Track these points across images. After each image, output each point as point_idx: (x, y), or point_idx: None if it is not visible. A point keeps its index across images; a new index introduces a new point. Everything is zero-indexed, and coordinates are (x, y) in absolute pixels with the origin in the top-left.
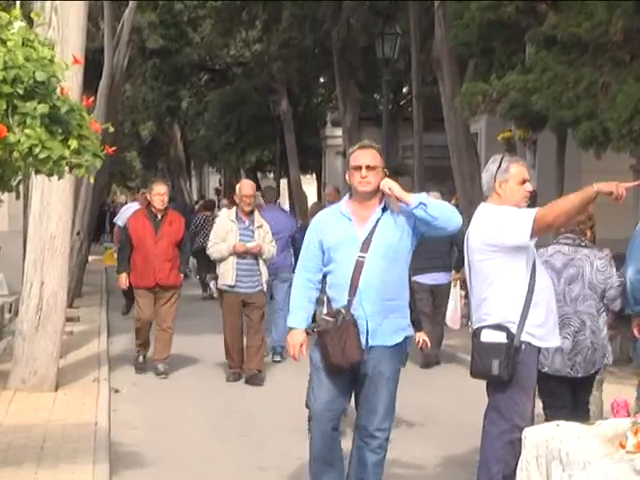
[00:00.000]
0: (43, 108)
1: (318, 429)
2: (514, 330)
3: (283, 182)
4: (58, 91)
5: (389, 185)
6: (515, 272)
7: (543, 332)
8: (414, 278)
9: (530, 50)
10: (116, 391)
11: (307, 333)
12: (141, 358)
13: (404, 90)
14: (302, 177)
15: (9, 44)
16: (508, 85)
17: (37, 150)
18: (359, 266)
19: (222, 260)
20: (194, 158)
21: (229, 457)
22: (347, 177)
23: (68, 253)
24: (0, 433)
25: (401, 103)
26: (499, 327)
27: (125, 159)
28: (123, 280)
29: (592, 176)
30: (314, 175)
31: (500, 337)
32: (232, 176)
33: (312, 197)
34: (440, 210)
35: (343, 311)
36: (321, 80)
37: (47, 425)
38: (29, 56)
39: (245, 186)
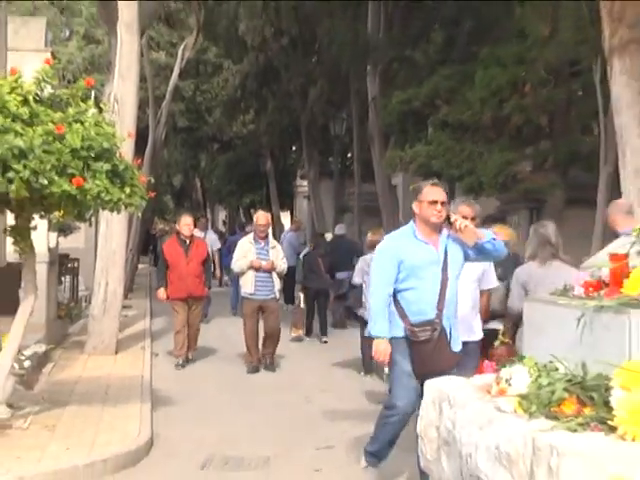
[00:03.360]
0: (107, 166)
1: (401, 421)
2: None
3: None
4: (118, 155)
5: (465, 223)
6: None
7: None
8: None
9: (430, 130)
10: (155, 355)
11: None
12: (181, 360)
13: (349, 155)
14: (281, 212)
15: (86, 124)
16: (416, 153)
17: (103, 194)
18: (444, 283)
19: (243, 273)
20: (209, 200)
21: (237, 404)
22: (416, 207)
23: (124, 263)
24: (80, 382)
25: (347, 164)
26: None
27: (162, 200)
28: (161, 294)
29: None
30: (288, 211)
31: None
32: (234, 212)
33: (287, 225)
34: (500, 244)
35: (436, 322)
36: (293, 148)
37: (109, 377)
38: (98, 132)
39: (260, 217)
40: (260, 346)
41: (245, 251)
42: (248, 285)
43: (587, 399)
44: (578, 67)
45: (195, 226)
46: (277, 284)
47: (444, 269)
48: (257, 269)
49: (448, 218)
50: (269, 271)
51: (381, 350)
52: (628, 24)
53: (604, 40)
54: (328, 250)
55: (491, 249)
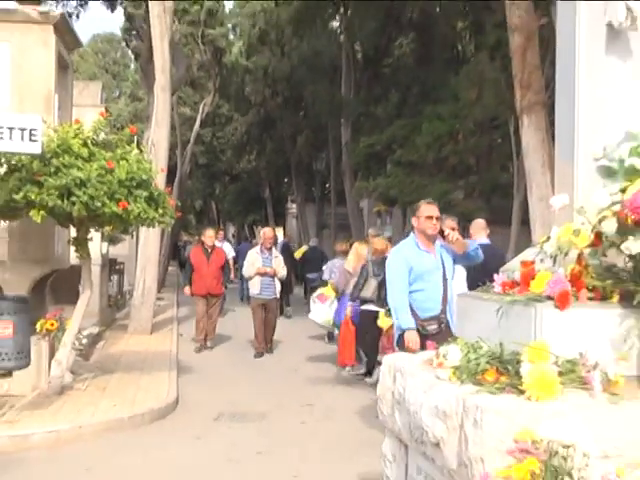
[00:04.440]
0: (145, 193)
1: None
2: None
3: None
4: (153, 184)
5: (456, 236)
6: None
7: None
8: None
9: (389, 167)
10: (180, 335)
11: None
12: (200, 346)
13: (327, 185)
14: (276, 228)
15: (129, 161)
16: (378, 184)
17: (142, 214)
18: (445, 285)
19: (251, 278)
20: (222, 218)
21: (242, 374)
22: (415, 222)
23: (157, 265)
24: (124, 355)
25: (325, 192)
26: None
27: (186, 218)
28: (187, 290)
29: None
30: (282, 227)
31: None
32: (240, 227)
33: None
34: (480, 251)
35: (442, 317)
36: (285, 180)
37: (146, 352)
38: (139, 167)
39: (267, 232)
40: None
41: (253, 260)
42: (256, 287)
43: (504, 370)
44: (497, 122)
45: (216, 237)
46: (278, 287)
47: (444, 273)
48: (263, 274)
49: (442, 232)
50: (272, 276)
51: (413, 339)
52: (534, 91)
53: (516, 102)
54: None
55: (474, 256)
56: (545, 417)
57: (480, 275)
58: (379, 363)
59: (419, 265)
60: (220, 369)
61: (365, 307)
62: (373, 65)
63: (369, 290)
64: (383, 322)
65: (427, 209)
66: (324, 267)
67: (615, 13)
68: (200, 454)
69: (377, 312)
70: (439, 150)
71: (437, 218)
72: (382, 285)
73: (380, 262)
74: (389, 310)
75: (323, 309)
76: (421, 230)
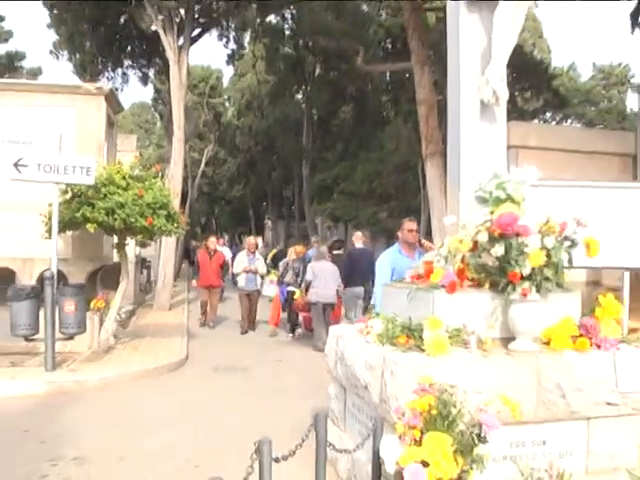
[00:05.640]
0: (165, 212)
1: None
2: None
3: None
4: (171, 206)
5: (429, 244)
6: None
7: None
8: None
9: (335, 195)
10: (189, 311)
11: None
12: (203, 320)
13: (292, 207)
14: (257, 237)
15: (154, 190)
16: (327, 207)
17: (163, 227)
18: None
19: (239, 274)
20: (219, 230)
21: (233, 341)
22: (400, 234)
23: (173, 263)
24: (151, 325)
25: (292, 212)
26: None
27: (194, 230)
28: (194, 283)
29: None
30: (261, 237)
31: None
32: (232, 237)
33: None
34: None
35: None
36: (264, 203)
37: (166, 323)
38: (161, 194)
39: (250, 240)
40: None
41: (241, 261)
42: (242, 281)
43: (411, 335)
44: (410, 164)
45: (217, 243)
46: (259, 281)
47: None
48: (247, 272)
49: (420, 241)
50: (254, 273)
51: None
52: (434, 143)
53: (422, 151)
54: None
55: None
56: (438, 367)
57: (355, 268)
58: (297, 324)
59: (400, 266)
60: (217, 337)
61: (289, 288)
62: (325, 124)
63: (289, 277)
64: (297, 296)
65: (409, 225)
66: (281, 262)
67: (485, 93)
68: (202, 395)
69: (294, 291)
70: (370, 183)
71: (416, 231)
72: (299, 274)
73: (299, 260)
74: (300, 289)
75: (271, 288)
76: (404, 240)
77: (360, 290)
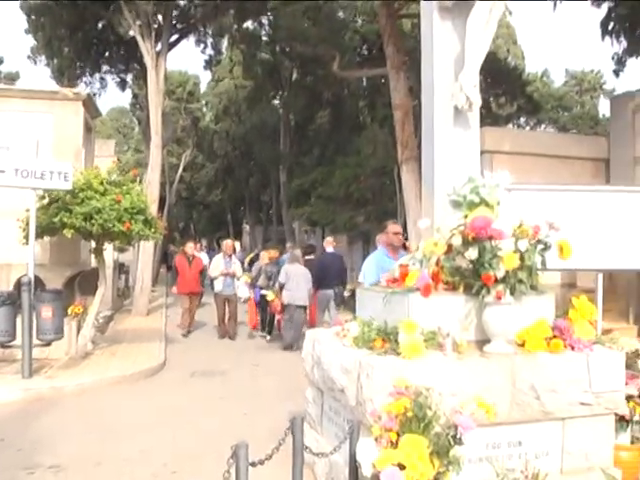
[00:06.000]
0: (142, 217)
1: None
2: None
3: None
4: (148, 211)
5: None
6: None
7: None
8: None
9: (312, 199)
10: (168, 316)
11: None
12: (185, 332)
13: (270, 212)
14: (235, 241)
15: (132, 195)
16: (305, 211)
17: (140, 232)
18: None
19: (216, 278)
20: (198, 234)
21: (210, 347)
22: (385, 237)
23: (151, 268)
24: (129, 330)
25: (269, 217)
26: None
27: (173, 235)
28: (174, 290)
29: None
30: (239, 241)
31: None
32: (210, 242)
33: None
34: None
35: None
36: (241, 208)
37: (144, 328)
38: (139, 199)
39: (227, 243)
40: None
41: (218, 264)
42: (219, 285)
43: (387, 339)
44: (386, 169)
45: (195, 248)
46: (236, 284)
47: None
48: (225, 275)
49: (404, 245)
50: (232, 276)
51: None
52: (410, 149)
53: (398, 156)
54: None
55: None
56: (414, 370)
57: (326, 272)
58: (272, 327)
59: (386, 269)
60: (195, 342)
61: (262, 292)
62: (302, 129)
63: (262, 281)
64: (269, 297)
65: (394, 228)
66: (253, 266)
67: (458, 99)
68: (180, 399)
69: (267, 294)
70: (347, 188)
71: (402, 233)
72: (271, 278)
73: (273, 264)
74: (274, 291)
75: (244, 289)
76: (389, 242)
77: (331, 292)
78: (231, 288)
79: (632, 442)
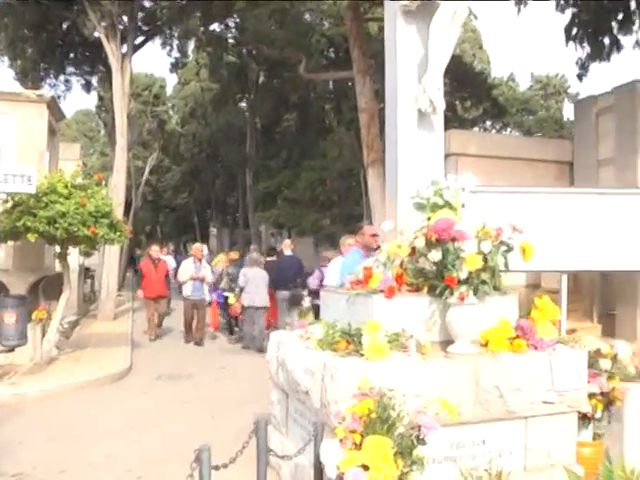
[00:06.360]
0: (107, 221)
1: None
2: None
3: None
4: (114, 215)
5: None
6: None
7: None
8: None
9: (279, 202)
10: (134, 320)
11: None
12: (153, 337)
13: (237, 215)
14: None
15: (97, 198)
16: (271, 214)
17: (106, 236)
18: None
19: (185, 282)
20: (164, 238)
21: (176, 352)
22: (361, 239)
23: (117, 272)
24: (94, 335)
25: (236, 220)
26: None
27: (139, 238)
28: (140, 294)
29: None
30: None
31: None
32: (177, 245)
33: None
34: None
35: None
36: (208, 211)
37: (110, 333)
38: (104, 203)
39: (197, 247)
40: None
41: (187, 268)
42: (188, 289)
43: (351, 340)
44: (352, 172)
45: (161, 252)
46: (205, 289)
47: None
48: (194, 279)
49: (379, 246)
50: (201, 280)
51: None
52: (375, 151)
53: (364, 159)
54: None
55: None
56: (377, 371)
57: (284, 274)
58: (235, 328)
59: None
60: (162, 346)
61: (225, 294)
62: (268, 132)
63: (224, 283)
64: (230, 300)
65: (371, 229)
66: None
67: (422, 102)
68: (146, 404)
69: (228, 296)
70: (313, 191)
71: (377, 235)
72: (233, 280)
73: (235, 266)
74: (235, 293)
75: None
76: (365, 244)
77: (286, 294)
78: (200, 292)
79: (594, 439)
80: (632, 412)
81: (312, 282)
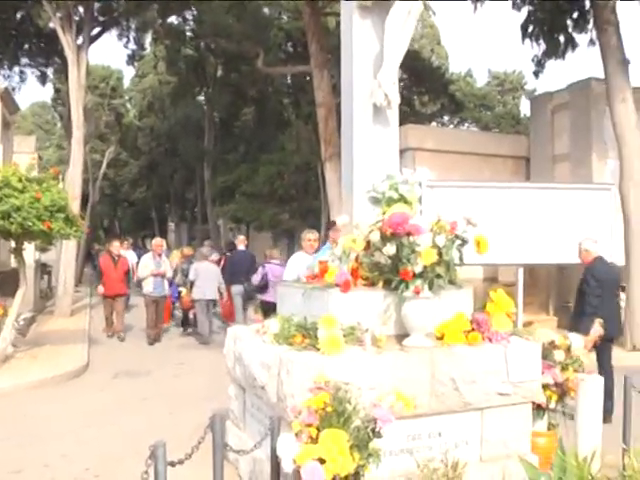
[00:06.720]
0: (63, 215)
1: None
2: None
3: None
4: (70, 209)
5: None
6: None
7: None
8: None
9: (237, 196)
10: (91, 317)
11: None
12: (110, 333)
13: (195, 210)
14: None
15: (53, 192)
16: (230, 208)
17: (62, 231)
18: None
19: (145, 278)
20: (123, 233)
21: (134, 348)
22: (333, 234)
23: (74, 267)
24: (51, 332)
25: (194, 214)
26: None
27: (97, 233)
28: (100, 290)
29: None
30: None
31: None
32: (135, 240)
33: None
34: None
35: None
36: (166, 205)
37: (67, 329)
38: (60, 196)
39: (157, 242)
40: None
41: (147, 264)
42: (149, 286)
43: (307, 334)
44: (310, 166)
45: (121, 247)
46: (166, 285)
47: None
48: (155, 275)
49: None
50: (162, 276)
51: None
52: (333, 145)
53: (322, 153)
54: None
55: None
56: (333, 365)
57: (237, 269)
58: (188, 321)
59: None
60: (120, 343)
61: (179, 289)
62: (226, 126)
63: (179, 279)
64: (184, 294)
65: (337, 230)
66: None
67: (377, 97)
68: (103, 401)
69: (181, 291)
70: (271, 185)
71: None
72: (187, 275)
73: (189, 261)
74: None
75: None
76: (336, 239)
77: (240, 288)
78: (161, 289)
79: (548, 429)
80: (585, 403)
81: (254, 278)
